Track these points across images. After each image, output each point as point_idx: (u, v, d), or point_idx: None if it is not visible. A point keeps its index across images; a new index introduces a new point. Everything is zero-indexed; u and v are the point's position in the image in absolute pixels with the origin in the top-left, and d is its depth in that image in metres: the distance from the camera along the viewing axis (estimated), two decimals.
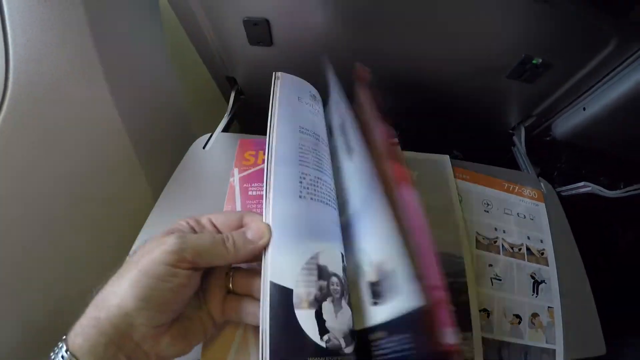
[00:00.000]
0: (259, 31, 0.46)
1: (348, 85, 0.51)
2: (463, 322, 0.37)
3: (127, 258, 0.25)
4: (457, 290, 0.39)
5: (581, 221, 0.51)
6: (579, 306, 0.43)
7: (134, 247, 0.37)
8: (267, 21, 0.45)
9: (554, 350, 0.39)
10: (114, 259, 0.27)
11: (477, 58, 0.47)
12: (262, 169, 0.41)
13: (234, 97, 0.55)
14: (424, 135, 0.52)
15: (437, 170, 0.48)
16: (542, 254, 0.45)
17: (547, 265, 0.44)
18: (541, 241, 0.46)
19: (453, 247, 0.42)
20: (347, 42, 0.47)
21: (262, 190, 0.38)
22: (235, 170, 0.43)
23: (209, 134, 0.50)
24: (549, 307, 0.42)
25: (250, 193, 0.41)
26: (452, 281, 0.39)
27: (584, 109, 0.50)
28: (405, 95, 0.53)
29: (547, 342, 0.40)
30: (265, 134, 0.32)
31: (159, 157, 0.53)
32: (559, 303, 0.42)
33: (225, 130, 0.53)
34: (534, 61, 0.45)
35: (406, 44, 0.46)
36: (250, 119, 0.53)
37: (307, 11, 0.43)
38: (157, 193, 0.44)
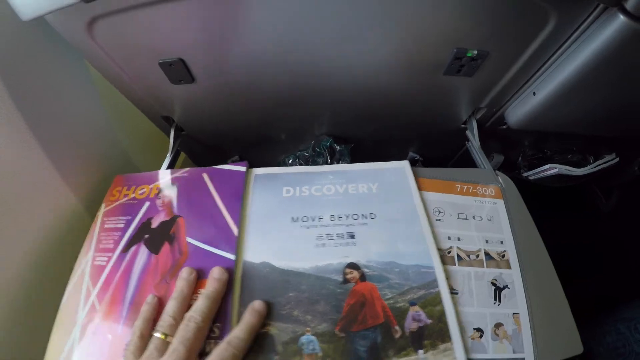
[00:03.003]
0: (177, 71, 0.42)
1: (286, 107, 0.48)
2: (442, 334, 0.34)
3: None
4: (431, 302, 0.36)
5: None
6: (550, 305, 0.39)
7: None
8: (181, 60, 0.41)
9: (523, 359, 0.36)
10: None
11: (407, 61, 0.42)
12: (121, 204, 0.44)
13: (174, 134, 0.52)
14: (379, 143, 0.48)
15: (397, 178, 0.44)
16: (503, 256, 0.40)
17: (510, 268, 0.40)
18: (501, 242, 0.41)
19: (421, 258, 0.38)
20: (270, 67, 0.42)
21: (114, 224, 0.42)
22: (103, 205, 0.44)
23: None
24: (514, 313, 0.37)
25: (105, 226, 0.42)
26: (425, 293, 0.36)
27: (534, 93, 0.45)
28: (349, 107, 0.49)
29: (514, 352, 0.36)
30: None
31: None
32: (526, 307, 0.38)
33: (170, 167, 0.51)
34: (469, 54, 0.40)
35: (331, 58, 0.42)
36: (200, 152, 0.50)
37: (218, 45, 0.39)
38: None
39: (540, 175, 0.54)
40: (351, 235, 0.39)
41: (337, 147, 0.52)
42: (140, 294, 0.36)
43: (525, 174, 0.55)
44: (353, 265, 0.37)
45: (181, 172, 0.45)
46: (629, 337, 0.59)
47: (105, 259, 0.39)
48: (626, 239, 0.70)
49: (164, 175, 0.45)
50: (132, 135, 0.59)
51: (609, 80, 0.42)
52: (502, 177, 0.46)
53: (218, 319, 0.34)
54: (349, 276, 0.37)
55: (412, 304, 0.35)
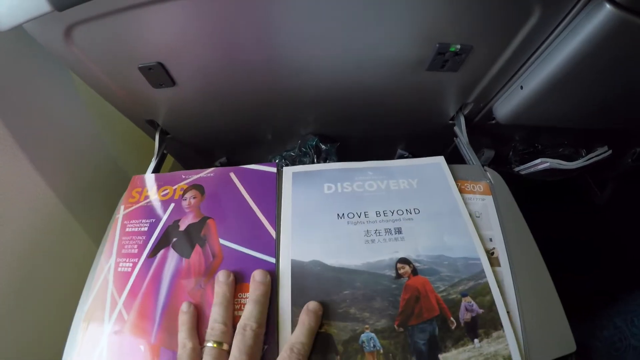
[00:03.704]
0: (157, 75, 0.41)
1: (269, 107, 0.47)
2: (494, 322, 0.35)
3: None
4: (481, 292, 0.36)
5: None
6: (541, 304, 0.38)
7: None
8: (160, 64, 0.40)
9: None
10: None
11: (388, 58, 0.40)
12: (142, 206, 0.42)
13: (159, 138, 0.51)
14: (366, 141, 0.46)
15: (435, 173, 0.44)
16: (493, 254, 0.39)
17: (499, 265, 0.39)
18: (490, 239, 0.40)
19: (468, 250, 0.38)
20: (250, 67, 0.41)
21: (137, 227, 0.40)
22: (122, 207, 0.42)
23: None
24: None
25: (127, 230, 0.40)
26: (474, 284, 0.36)
27: (522, 87, 0.44)
28: (334, 106, 0.48)
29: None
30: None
31: (93, 206, 0.52)
32: (516, 306, 0.37)
33: (156, 170, 0.50)
34: (452, 48, 0.39)
35: (311, 57, 0.40)
36: (187, 154, 0.49)
37: (196, 48, 0.38)
38: (98, 239, 0.42)
39: (532, 169, 0.52)
40: (399, 231, 0.39)
41: (323, 147, 0.51)
42: (173, 301, 0.35)
43: (516, 169, 0.53)
44: (404, 260, 0.37)
45: (206, 172, 0.44)
46: (626, 331, 0.58)
47: (130, 265, 0.38)
48: (623, 233, 0.69)
49: (189, 175, 0.44)
50: (117, 138, 0.58)
51: (597, 72, 0.41)
52: (491, 173, 0.44)
53: None
54: (401, 271, 0.37)
55: (464, 295, 0.36)
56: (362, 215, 0.40)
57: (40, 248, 0.46)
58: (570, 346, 0.36)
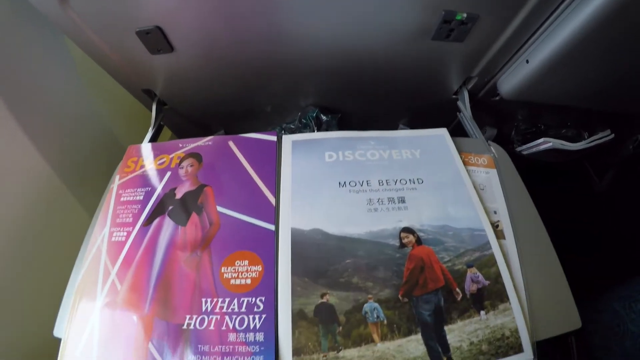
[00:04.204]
0: (155, 39, 0.39)
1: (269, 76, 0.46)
2: (500, 295, 0.34)
3: None
4: (487, 264, 0.35)
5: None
6: (547, 278, 0.37)
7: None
8: (159, 28, 0.38)
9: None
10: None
11: (392, 26, 0.39)
12: (138, 176, 0.40)
13: (156, 108, 0.49)
14: (367, 115, 0.45)
15: (438, 145, 0.43)
16: (497, 226, 0.38)
17: (504, 238, 0.38)
18: (495, 212, 0.39)
19: (472, 221, 0.37)
20: (251, 33, 0.40)
21: (132, 196, 0.39)
22: (117, 177, 0.41)
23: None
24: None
25: (122, 199, 0.39)
26: (480, 255, 0.35)
27: (527, 61, 0.43)
28: (334, 75, 0.47)
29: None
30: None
31: (88, 177, 0.50)
32: (522, 279, 0.36)
33: (153, 141, 0.48)
34: (458, 17, 0.38)
35: (313, 23, 0.39)
36: (184, 126, 0.47)
37: (196, 12, 0.37)
38: (93, 211, 0.41)
39: (534, 149, 0.51)
40: (402, 200, 0.38)
41: (324, 118, 0.49)
42: (168, 271, 0.34)
43: (518, 149, 0.52)
44: (408, 229, 0.36)
45: (204, 141, 0.43)
46: (624, 316, 0.57)
47: (125, 234, 0.37)
48: (623, 220, 0.68)
49: (186, 144, 0.43)
50: (114, 110, 0.57)
51: (603, 49, 0.40)
52: (494, 147, 0.44)
53: (261, 292, 0.32)
54: (405, 240, 0.36)
55: (469, 265, 0.35)
56: (365, 183, 0.39)
57: (35, 221, 0.45)
58: (575, 322, 0.35)
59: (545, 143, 0.51)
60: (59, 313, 0.35)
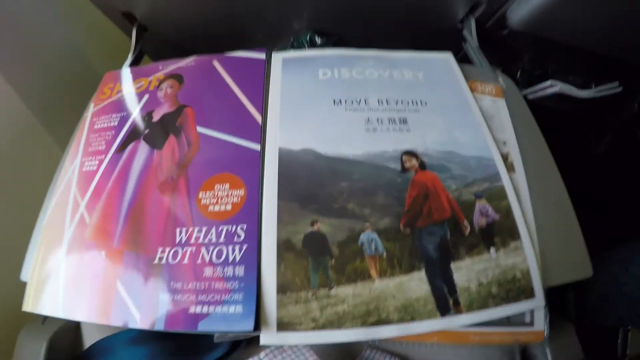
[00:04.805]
0: None
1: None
2: (511, 231, 0.29)
3: None
4: (496, 196, 0.31)
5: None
6: (558, 218, 0.33)
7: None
8: None
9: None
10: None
11: None
12: (113, 101, 0.36)
13: (137, 33, 0.44)
14: (366, 43, 0.39)
15: (443, 68, 0.38)
16: (507, 159, 0.33)
17: (514, 171, 0.33)
18: (504, 143, 0.34)
19: (481, 149, 0.33)
20: None
21: (106, 123, 0.35)
22: (91, 105, 0.37)
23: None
24: None
25: (95, 127, 0.35)
26: (489, 186, 0.31)
27: None
28: (336, 2, 0.41)
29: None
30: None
31: (64, 111, 0.45)
32: (532, 217, 0.31)
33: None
34: None
35: None
36: (167, 55, 0.41)
37: None
38: (65, 145, 0.37)
39: (540, 93, 0.47)
40: (404, 121, 0.33)
41: (319, 40, 0.44)
42: (141, 198, 0.30)
43: (523, 92, 0.47)
44: (411, 153, 0.32)
45: (186, 62, 0.38)
46: (620, 278, 0.54)
47: (96, 162, 0.32)
48: (624, 182, 0.66)
49: (167, 66, 0.38)
50: (91, 38, 0.52)
51: None
52: (502, 77, 0.39)
53: (243, 219, 0.27)
54: (407, 164, 0.31)
55: (478, 196, 0.31)
56: (362, 102, 0.34)
57: (3, 157, 0.42)
58: (587, 270, 0.32)
59: (552, 87, 0.46)
60: (26, 255, 0.32)
